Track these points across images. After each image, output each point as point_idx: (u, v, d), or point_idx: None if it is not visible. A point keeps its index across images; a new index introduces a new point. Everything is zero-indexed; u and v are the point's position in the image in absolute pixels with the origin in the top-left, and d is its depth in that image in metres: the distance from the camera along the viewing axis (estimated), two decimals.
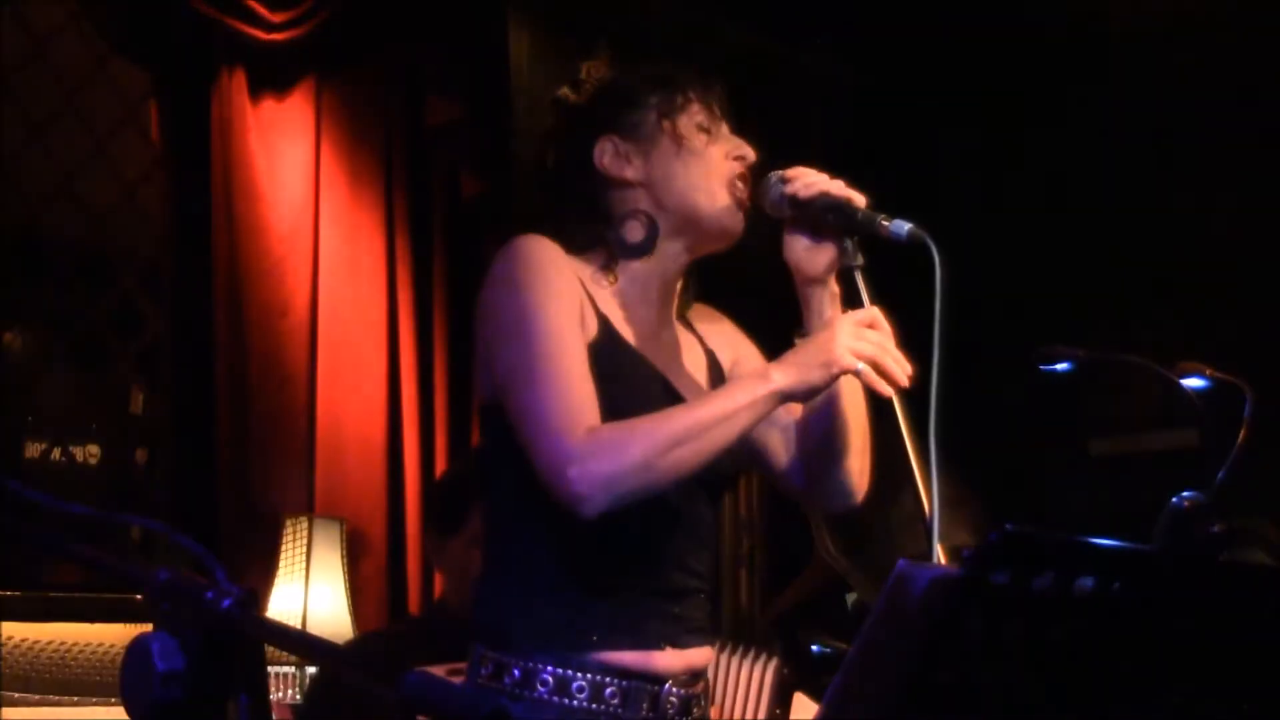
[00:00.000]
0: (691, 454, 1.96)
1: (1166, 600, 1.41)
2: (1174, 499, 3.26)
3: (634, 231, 2.16)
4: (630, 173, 2.16)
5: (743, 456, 2.19)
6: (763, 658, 3.45)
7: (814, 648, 3.83)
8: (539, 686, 2.01)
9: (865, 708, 1.37)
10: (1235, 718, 1.52)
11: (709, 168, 2.15)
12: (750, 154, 2.17)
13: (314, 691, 3.29)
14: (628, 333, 2.14)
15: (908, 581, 1.35)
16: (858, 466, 2.19)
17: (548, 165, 2.24)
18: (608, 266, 2.16)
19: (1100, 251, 5.55)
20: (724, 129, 2.19)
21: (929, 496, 1.88)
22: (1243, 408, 3.70)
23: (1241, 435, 3.65)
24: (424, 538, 3.29)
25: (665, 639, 2.08)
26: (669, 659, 2.08)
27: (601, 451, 1.94)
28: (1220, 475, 3.50)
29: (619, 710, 2.03)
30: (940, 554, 1.85)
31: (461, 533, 3.15)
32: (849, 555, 3.89)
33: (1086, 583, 1.34)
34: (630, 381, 2.07)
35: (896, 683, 1.34)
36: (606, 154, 2.16)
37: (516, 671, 2.02)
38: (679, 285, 2.24)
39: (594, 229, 2.17)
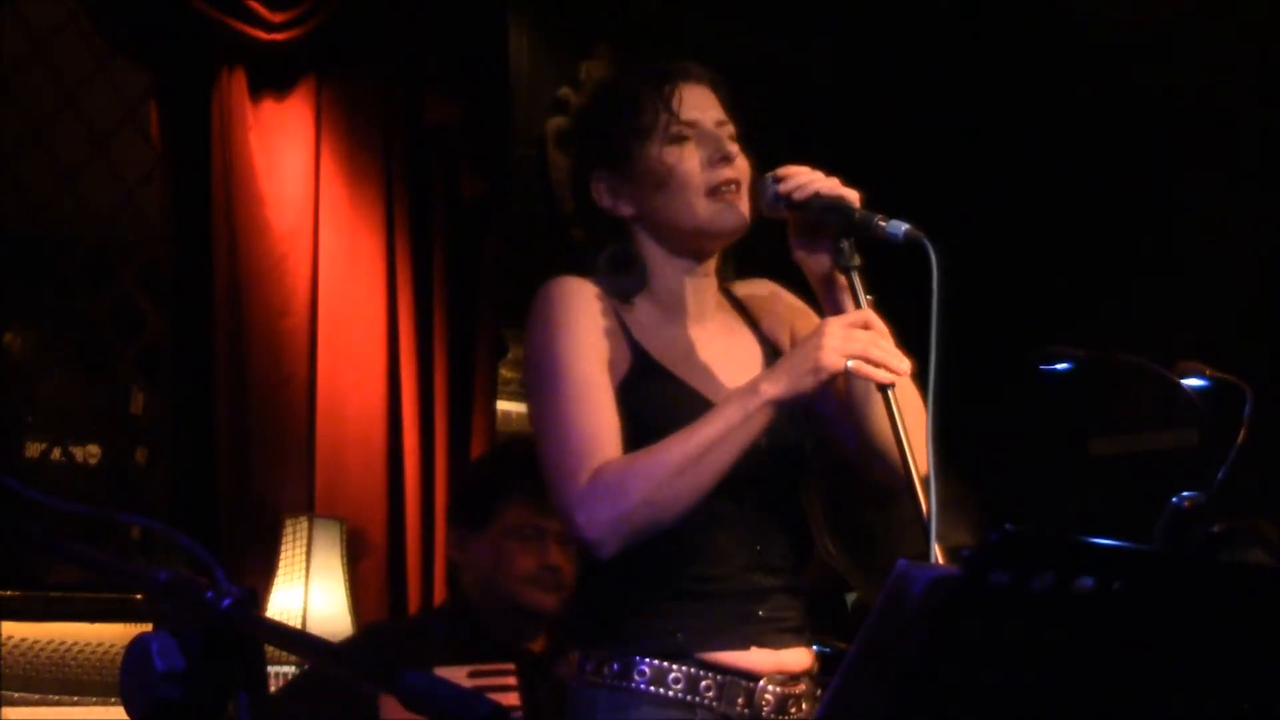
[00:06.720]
0: (694, 480, 2.00)
1: (1166, 600, 1.41)
2: (1174, 499, 3.26)
3: (622, 271, 2.19)
4: (625, 209, 2.19)
5: (808, 433, 2.19)
6: None
7: (814, 648, 3.82)
8: (636, 677, 2.06)
9: (865, 708, 1.37)
10: (1235, 718, 1.52)
11: (687, 186, 2.13)
12: (730, 150, 2.15)
13: (295, 682, 3.23)
14: (663, 355, 2.16)
15: (908, 581, 1.35)
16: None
17: (562, 207, 2.29)
18: (627, 294, 2.19)
19: (1100, 251, 5.54)
20: (704, 124, 2.16)
21: (927, 497, 1.88)
22: (1243, 408, 3.70)
23: (1241, 435, 3.65)
24: (447, 531, 3.22)
25: (751, 640, 2.10)
26: (759, 658, 2.10)
27: (604, 495, 2.00)
28: (1220, 475, 3.50)
29: (714, 704, 2.06)
30: (939, 554, 1.85)
31: (490, 528, 3.04)
32: (849, 555, 3.88)
33: (1086, 583, 1.34)
34: (667, 406, 2.09)
35: (896, 683, 1.34)
36: (602, 193, 2.20)
37: (616, 665, 2.08)
38: (708, 281, 2.24)
39: (610, 260, 2.20)
